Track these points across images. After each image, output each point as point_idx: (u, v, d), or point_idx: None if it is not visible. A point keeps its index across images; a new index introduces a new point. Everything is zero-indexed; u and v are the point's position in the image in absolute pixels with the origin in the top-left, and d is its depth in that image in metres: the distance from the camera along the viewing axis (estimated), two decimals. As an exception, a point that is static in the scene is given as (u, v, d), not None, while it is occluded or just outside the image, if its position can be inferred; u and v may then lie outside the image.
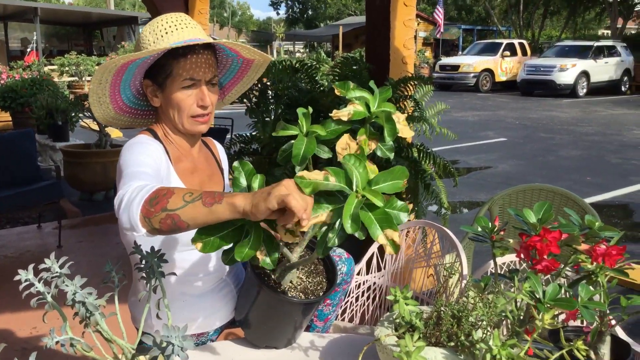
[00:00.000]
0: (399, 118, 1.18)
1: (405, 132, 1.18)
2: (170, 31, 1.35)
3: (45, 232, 4.43)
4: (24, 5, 18.37)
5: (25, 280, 1.00)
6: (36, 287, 1.01)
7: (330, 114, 1.18)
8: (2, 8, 18.06)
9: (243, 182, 1.10)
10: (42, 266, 1.03)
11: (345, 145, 1.13)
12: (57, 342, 0.94)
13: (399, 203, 1.02)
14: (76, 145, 5.89)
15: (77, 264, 1.07)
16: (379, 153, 1.18)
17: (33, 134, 4.59)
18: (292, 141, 1.14)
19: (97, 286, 1.06)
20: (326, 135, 1.16)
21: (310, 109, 1.19)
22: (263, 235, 1.05)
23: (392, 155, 1.17)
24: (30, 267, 1.02)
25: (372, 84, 1.23)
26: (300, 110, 1.17)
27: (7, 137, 4.46)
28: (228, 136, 4.89)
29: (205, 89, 1.39)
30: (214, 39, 1.48)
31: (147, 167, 1.28)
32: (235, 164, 1.11)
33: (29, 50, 18.15)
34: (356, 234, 0.97)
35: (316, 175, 1.00)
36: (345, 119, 1.15)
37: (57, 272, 1.03)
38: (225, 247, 1.07)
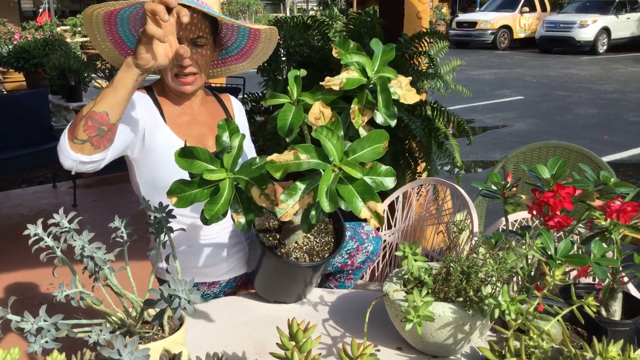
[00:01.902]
0: (402, 82, 1.10)
1: (409, 97, 1.09)
2: None
3: (60, 192, 4.48)
4: (34, -36, 18.17)
5: (35, 235, 1.01)
6: (45, 242, 1.01)
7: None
8: (13, -33, 17.89)
9: (225, 140, 1.06)
10: (50, 221, 1.03)
11: (318, 114, 1.05)
12: (66, 296, 0.95)
13: (383, 168, 0.97)
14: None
15: (92, 223, 1.08)
16: (379, 120, 1.08)
17: (46, 94, 4.60)
18: (279, 110, 1.08)
19: (113, 245, 1.07)
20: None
21: (304, 72, 1.12)
22: (239, 196, 1.02)
23: (393, 123, 1.07)
24: (39, 221, 1.03)
25: (374, 42, 1.14)
26: (292, 74, 1.11)
27: (21, 98, 4.48)
28: (240, 95, 4.86)
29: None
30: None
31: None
32: (221, 122, 1.07)
33: (41, 10, 18.02)
34: (342, 207, 0.93)
35: (286, 157, 0.95)
36: (336, 88, 1.08)
37: (66, 227, 1.03)
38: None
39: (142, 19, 1.40)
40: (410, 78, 1.14)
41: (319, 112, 1.05)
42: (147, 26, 1.03)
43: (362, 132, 1.07)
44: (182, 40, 1.37)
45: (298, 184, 0.97)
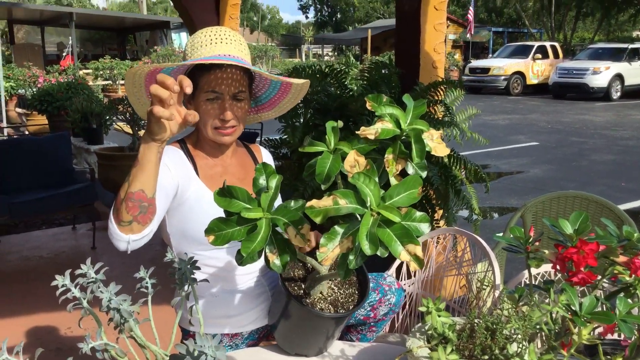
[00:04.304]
0: (433, 135, 1.13)
1: (440, 150, 1.13)
2: (205, 44, 1.40)
3: (79, 234, 4.53)
4: (60, 10, 18.92)
5: (62, 286, 1.02)
6: (72, 293, 1.03)
7: (358, 124, 1.15)
8: (39, 13, 18.60)
9: (262, 182, 1.09)
10: (78, 272, 1.05)
11: (353, 162, 1.08)
12: (91, 348, 0.96)
13: (418, 214, 0.98)
14: (110, 148, 6.00)
15: (110, 266, 1.09)
16: (409, 171, 1.11)
17: (68, 137, 4.71)
18: (318, 157, 1.11)
19: (130, 288, 1.08)
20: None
21: (340, 123, 1.16)
22: (275, 236, 1.03)
23: (424, 174, 1.10)
24: (67, 272, 1.04)
25: (406, 98, 1.18)
26: (329, 125, 1.15)
27: (44, 140, 4.58)
28: (257, 139, 4.93)
29: (229, 103, 1.43)
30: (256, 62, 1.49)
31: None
32: (258, 165, 1.10)
33: (64, 54, 18.61)
34: (378, 252, 0.94)
35: (325, 202, 0.97)
36: (372, 137, 1.11)
37: (92, 278, 1.05)
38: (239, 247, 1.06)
39: (182, 71, 1.46)
40: (441, 132, 1.16)
41: (354, 160, 1.08)
42: (153, 108, 1.07)
43: (393, 182, 1.09)
44: (224, 95, 1.42)
45: (337, 228, 0.99)
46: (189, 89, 1.07)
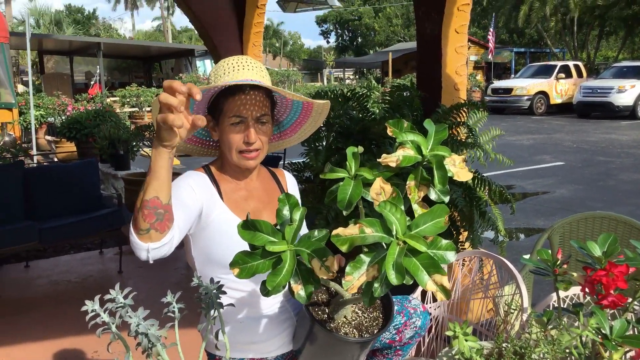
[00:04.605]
0: (455, 161, 1.12)
1: (463, 175, 1.11)
2: (228, 72, 1.44)
3: (106, 258, 4.59)
4: (89, 40, 19.49)
5: (92, 311, 1.04)
6: (102, 318, 1.04)
7: (381, 147, 1.15)
8: (69, 44, 19.17)
9: (286, 213, 1.10)
10: (107, 297, 1.06)
11: (379, 190, 1.07)
12: (121, 372, 0.97)
13: (444, 242, 0.98)
14: (137, 173, 6.10)
15: (137, 290, 1.11)
16: (432, 197, 1.10)
17: (96, 163, 4.80)
18: (340, 183, 1.11)
19: (157, 312, 1.10)
20: (374, 179, 1.11)
21: (361, 149, 1.16)
22: (300, 267, 1.04)
23: (447, 199, 1.09)
24: (97, 298, 1.06)
25: (427, 123, 1.18)
26: (350, 150, 1.15)
27: (72, 167, 4.69)
28: (280, 163, 4.96)
29: (253, 127, 1.45)
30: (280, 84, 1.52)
31: (177, 200, 1.36)
32: (281, 196, 1.11)
33: (92, 82, 19.08)
34: (403, 281, 0.94)
35: (351, 230, 0.97)
36: (393, 165, 1.10)
37: (121, 303, 1.07)
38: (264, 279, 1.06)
39: (206, 104, 1.51)
40: (463, 156, 1.16)
41: (380, 188, 1.07)
42: (165, 116, 1.10)
43: (416, 208, 1.08)
44: (248, 119, 1.45)
45: (362, 256, 0.98)
46: (198, 96, 1.09)
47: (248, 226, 1.03)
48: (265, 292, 1.02)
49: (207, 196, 1.46)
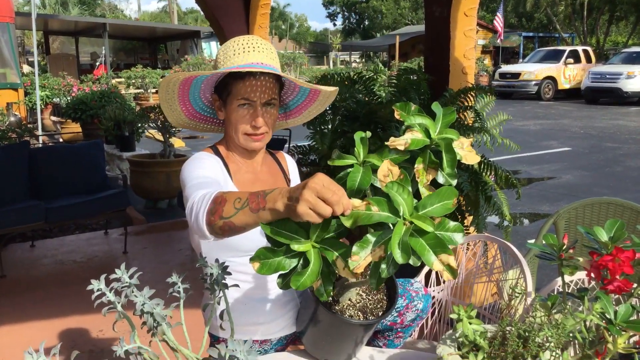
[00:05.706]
0: (463, 144, 1.11)
1: (470, 158, 1.10)
2: (237, 53, 1.43)
3: (111, 238, 4.62)
4: (94, 21, 19.43)
5: (98, 290, 1.05)
6: (107, 297, 1.05)
7: (387, 131, 1.13)
8: (74, 24, 19.11)
9: None
10: (113, 276, 1.07)
11: (386, 172, 1.05)
12: (125, 350, 0.98)
13: (452, 224, 0.97)
14: (142, 155, 6.12)
15: (141, 270, 1.11)
16: (440, 180, 1.09)
17: (101, 144, 4.81)
18: (349, 170, 1.10)
19: (161, 292, 1.10)
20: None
21: (369, 133, 1.15)
22: (322, 266, 1.02)
23: (454, 182, 1.08)
24: (102, 277, 1.07)
25: (435, 106, 1.16)
26: (358, 135, 1.13)
27: (78, 148, 4.70)
28: (286, 146, 4.95)
29: (260, 110, 1.45)
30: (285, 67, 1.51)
31: (205, 178, 1.37)
32: None
33: (97, 63, 19.07)
34: (410, 261, 0.93)
35: (357, 203, 0.96)
36: (402, 148, 1.09)
37: (126, 282, 1.07)
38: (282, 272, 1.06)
39: (213, 84, 1.49)
40: (471, 139, 1.15)
41: (388, 170, 1.06)
42: (314, 216, 0.98)
43: (423, 191, 1.08)
44: (256, 103, 1.44)
45: (369, 236, 0.98)
46: (347, 212, 0.99)
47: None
48: (285, 286, 1.02)
49: (222, 176, 1.47)
